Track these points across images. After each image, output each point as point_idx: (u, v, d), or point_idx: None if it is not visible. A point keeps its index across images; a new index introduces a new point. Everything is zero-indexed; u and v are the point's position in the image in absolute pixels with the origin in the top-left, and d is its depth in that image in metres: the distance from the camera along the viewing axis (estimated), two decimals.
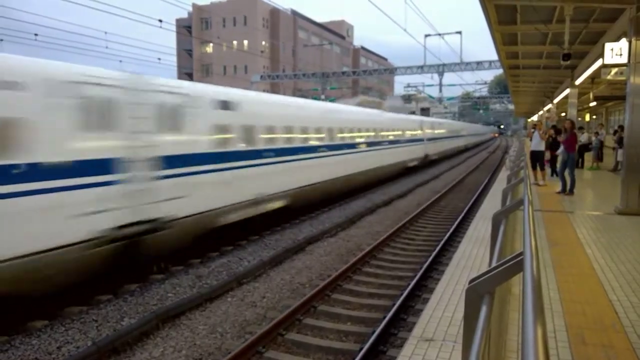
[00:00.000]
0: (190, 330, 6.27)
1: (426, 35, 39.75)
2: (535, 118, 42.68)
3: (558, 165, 13.23)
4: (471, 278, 2.38)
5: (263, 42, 65.29)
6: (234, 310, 6.93)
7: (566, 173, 11.28)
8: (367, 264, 9.03)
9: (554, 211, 9.05)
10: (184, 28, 66.14)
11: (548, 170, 14.77)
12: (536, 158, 12.86)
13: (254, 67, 61.25)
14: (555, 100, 25.07)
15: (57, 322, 6.45)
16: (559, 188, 11.47)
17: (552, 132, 15.66)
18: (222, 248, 10.20)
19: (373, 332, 5.74)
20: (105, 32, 30.96)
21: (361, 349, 5.33)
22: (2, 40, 27.11)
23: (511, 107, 69.04)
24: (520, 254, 2.23)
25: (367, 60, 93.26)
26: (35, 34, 27.22)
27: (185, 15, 66.80)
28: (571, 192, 11.12)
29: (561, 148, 12.20)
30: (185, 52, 67.65)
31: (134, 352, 5.70)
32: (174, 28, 57.17)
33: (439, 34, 36.78)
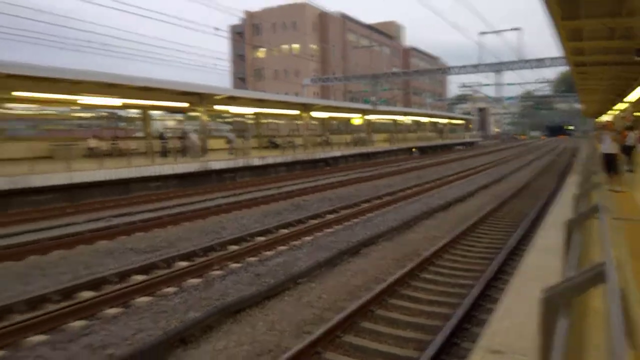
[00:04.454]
0: (250, 326, 6.43)
1: (481, 33, 38.40)
2: (604, 118, 40.13)
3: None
4: (542, 289, 2.26)
5: (313, 46, 65.97)
6: (291, 309, 7.03)
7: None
8: (425, 270, 8.86)
9: (634, 220, 8.38)
10: (237, 34, 68.10)
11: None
12: (608, 162, 12.08)
13: (304, 70, 62.01)
14: (629, 98, 23.47)
15: (130, 311, 6.96)
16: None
17: (626, 133, 14.70)
18: (278, 248, 10.40)
19: (433, 340, 5.62)
20: (161, 40, 32.62)
21: (423, 356, 5.24)
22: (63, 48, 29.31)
23: (578, 106, 65.22)
24: (600, 264, 2.11)
25: (418, 60, 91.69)
26: (105, 44, 29.19)
27: (237, 22, 68.80)
28: None
29: None
30: (238, 58, 69.63)
31: (199, 344, 5.94)
32: (227, 35, 59.07)
33: (495, 32, 35.39)
